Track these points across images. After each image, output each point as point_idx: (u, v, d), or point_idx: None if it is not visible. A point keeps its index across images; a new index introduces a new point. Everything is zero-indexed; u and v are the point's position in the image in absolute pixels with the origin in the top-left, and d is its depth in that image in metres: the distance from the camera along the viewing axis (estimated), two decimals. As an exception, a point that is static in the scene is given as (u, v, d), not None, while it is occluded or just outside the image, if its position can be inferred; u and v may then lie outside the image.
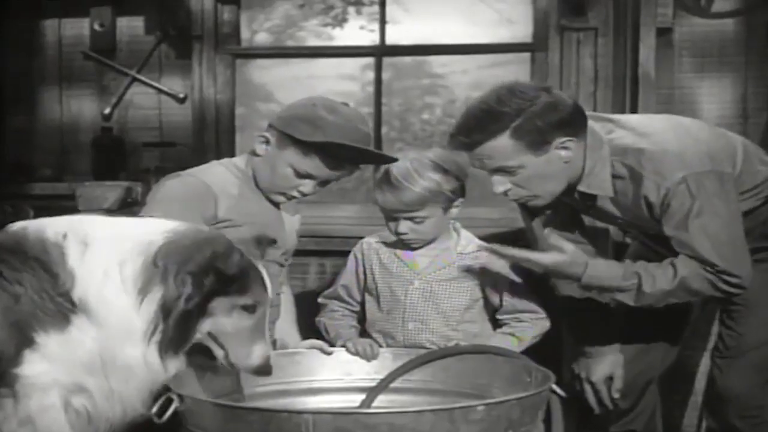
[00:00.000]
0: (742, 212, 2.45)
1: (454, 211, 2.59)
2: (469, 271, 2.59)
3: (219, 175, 2.51)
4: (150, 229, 1.97)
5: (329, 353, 2.46)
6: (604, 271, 2.39)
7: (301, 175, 2.46)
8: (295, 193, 2.51)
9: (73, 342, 1.88)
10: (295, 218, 2.71)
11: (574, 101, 2.44)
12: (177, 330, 1.89)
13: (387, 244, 2.65)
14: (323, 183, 2.52)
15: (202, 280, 1.88)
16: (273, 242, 2.25)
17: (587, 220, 2.70)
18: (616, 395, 2.64)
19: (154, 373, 1.92)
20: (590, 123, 2.44)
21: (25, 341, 1.87)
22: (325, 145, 2.40)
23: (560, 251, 2.38)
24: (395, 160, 2.55)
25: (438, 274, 2.59)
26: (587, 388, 2.66)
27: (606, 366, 2.63)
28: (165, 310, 1.88)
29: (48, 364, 1.87)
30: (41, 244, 1.91)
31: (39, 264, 1.89)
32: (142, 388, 1.95)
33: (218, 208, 2.43)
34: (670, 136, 2.43)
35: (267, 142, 2.49)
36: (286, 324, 2.66)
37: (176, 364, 1.95)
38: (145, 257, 1.90)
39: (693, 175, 2.33)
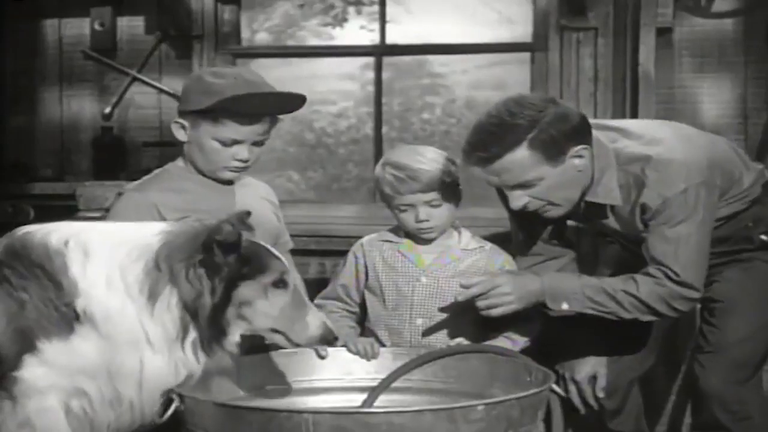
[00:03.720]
0: (728, 215, 2.50)
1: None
2: (472, 267, 2.60)
3: (156, 181, 2.51)
4: (144, 233, 1.95)
5: (323, 357, 2.45)
6: (561, 280, 2.46)
7: (227, 144, 2.44)
8: (235, 163, 2.47)
9: (75, 351, 1.88)
10: (260, 194, 2.63)
11: (578, 111, 2.47)
12: (213, 325, 1.89)
13: (389, 242, 2.65)
14: (257, 144, 2.47)
15: (215, 262, 1.87)
16: (248, 214, 2.18)
17: None
18: (601, 394, 2.64)
19: (172, 375, 1.91)
20: (594, 133, 2.45)
21: (27, 347, 1.86)
22: (223, 104, 2.36)
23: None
24: (303, 97, 2.48)
25: (445, 270, 2.58)
26: (572, 387, 2.66)
27: (589, 365, 2.64)
28: (191, 310, 1.87)
29: (47, 368, 1.87)
30: (45, 250, 1.90)
31: (43, 272, 1.89)
32: (157, 393, 1.94)
33: (163, 214, 2.41)
34: (676, 144, 2.45)
35: (183, 127, 2.49)
36: None
37: (219, 359, 1.95)
38: (146, 261, 1.89)
39: (694, 185, 2.36)
